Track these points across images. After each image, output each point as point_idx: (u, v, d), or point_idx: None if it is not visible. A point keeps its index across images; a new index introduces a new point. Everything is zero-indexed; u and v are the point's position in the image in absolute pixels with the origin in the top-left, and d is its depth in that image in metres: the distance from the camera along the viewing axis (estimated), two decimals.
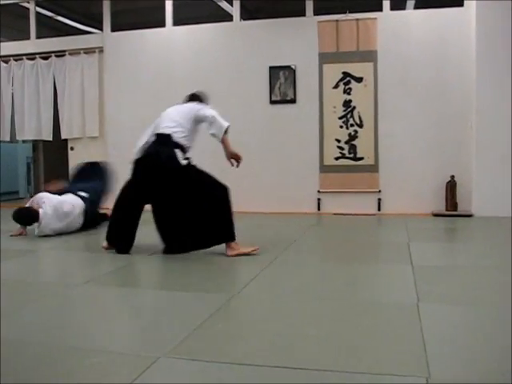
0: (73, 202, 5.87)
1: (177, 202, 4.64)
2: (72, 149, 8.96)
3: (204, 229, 4.63)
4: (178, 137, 4.60)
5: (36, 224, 5.61)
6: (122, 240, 4.77)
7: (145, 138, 4.88)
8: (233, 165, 4.74)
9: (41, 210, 5.59)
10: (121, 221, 4.79)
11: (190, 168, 4.67)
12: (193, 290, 3.59)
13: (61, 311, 3.18)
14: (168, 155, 4.54)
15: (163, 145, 4.60)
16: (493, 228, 6.26)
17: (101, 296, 3.52)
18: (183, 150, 4.62)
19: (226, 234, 4.60)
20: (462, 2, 7.38)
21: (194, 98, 5.04)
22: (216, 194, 4.60)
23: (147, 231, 4.80)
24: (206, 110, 4.66)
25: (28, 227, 5.77)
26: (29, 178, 11.34)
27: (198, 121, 4.70)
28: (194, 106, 4.79)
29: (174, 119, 4.70)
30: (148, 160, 4.65)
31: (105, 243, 4.86)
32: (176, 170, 4.57)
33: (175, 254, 4.61)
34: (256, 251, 4.61)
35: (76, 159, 8.90)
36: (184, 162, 4.59)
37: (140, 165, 4.71)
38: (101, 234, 5.41)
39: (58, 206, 5.71)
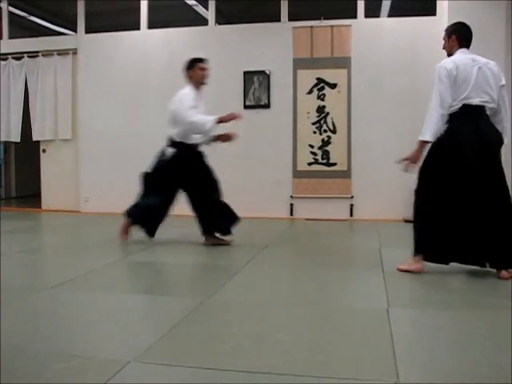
0: None
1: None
2: (44, 151, 8.86)
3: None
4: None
5: None
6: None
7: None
8: None
9: None
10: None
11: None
12: (163, 294, 3.57)
13: (29, 315, 3.14)
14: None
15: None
16: None
17: (71, 300, 3.48)
18: None
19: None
20: (435, 12, 7.49)
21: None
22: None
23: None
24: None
25: None
26: (0, 179, 11.19)
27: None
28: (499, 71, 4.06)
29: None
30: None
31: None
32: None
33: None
34: None
35: (48, 161, 8.84)
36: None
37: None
38: None
39: None
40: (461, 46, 4.11)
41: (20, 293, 3.56)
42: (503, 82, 4.03)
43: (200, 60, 5.55)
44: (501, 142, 4.02)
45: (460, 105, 3.92)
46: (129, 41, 8.41)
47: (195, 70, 5.50)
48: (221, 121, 5.21)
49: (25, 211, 8.93)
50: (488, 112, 3.97)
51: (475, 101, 3.90)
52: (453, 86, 3.92)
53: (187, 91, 5.43)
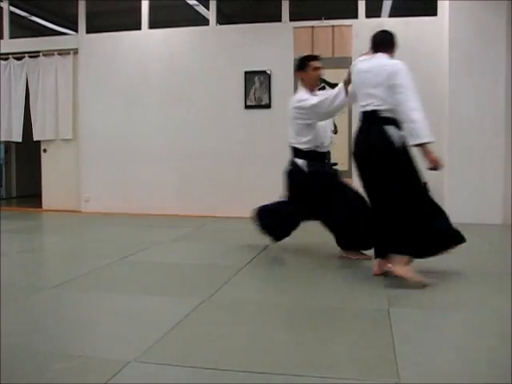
0: None
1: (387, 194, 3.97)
2: (45, 151, 8.86)
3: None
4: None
5: None
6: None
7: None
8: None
9: None
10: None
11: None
12: (163, 294, 3.57)
13: (30, 315, 3.14)
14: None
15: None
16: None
17: (71, 300, 3.49)
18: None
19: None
20: (436, 12, 7.49)
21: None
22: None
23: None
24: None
25: None
26: (0, 179, 11.20)
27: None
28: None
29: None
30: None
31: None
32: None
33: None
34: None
35: (49, 161, 8.84)
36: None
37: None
38: None
39: None
40: (374, 51, 4.18)
41: (20, 293, 3.56)
42: (394, 80, 3.83)
43: (313, 57, 4.84)
44: (388, 144, 3.88)
45: (359, 111, 4.09)
46: (130, 41, 8.41)
47: (308, 70, 4.76)
48: (347, 82, 4.49)
49: (25, 211, 8.93)
50: (388, 114, 3.89)
51: (366, 106, 4.00)
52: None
53: (302, 96, 4.74)
